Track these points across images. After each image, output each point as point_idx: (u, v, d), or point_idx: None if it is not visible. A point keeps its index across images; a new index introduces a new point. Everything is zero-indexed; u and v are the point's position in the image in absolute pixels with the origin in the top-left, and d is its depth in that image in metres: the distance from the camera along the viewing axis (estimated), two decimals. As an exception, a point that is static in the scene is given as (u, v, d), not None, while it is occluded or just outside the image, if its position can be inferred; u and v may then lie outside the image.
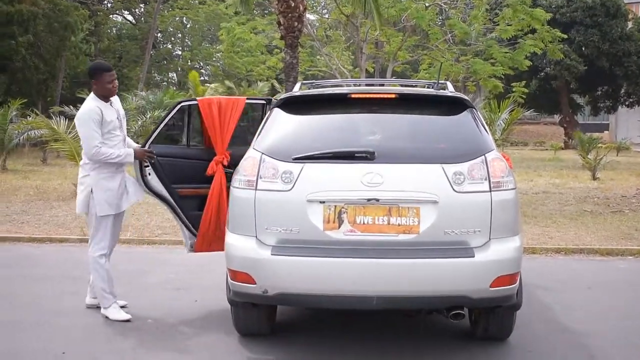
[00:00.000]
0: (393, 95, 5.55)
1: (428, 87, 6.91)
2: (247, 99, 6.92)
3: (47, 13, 42.04)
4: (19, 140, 23.19)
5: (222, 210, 6.37)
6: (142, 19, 62.11)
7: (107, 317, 6.38)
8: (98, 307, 6.60)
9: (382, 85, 9.48)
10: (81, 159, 6.48)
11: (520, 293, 5.31)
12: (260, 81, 36.51)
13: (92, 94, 6.45)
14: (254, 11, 37.16)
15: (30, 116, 24.62)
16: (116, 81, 6.51)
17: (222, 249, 6.10)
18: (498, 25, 26.83)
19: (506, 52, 26.61)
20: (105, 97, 6.42)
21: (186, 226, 6.73)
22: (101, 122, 6.26)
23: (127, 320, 6.30)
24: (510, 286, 5.00)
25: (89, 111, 6.30)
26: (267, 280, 4.95)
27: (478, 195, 4.94)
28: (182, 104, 6.88)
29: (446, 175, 4.94)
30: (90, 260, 6.49)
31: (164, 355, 5.48)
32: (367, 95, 5.66)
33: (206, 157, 6.63)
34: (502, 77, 27.98)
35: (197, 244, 6.66)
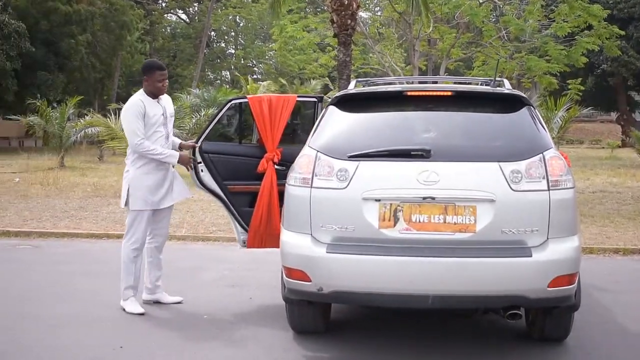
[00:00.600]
0: (449, 93, 5.50)
1: (484, 85, 6.85)
2: (298, 96, 6.94)
3: (104, 12, 42.82)
4: (77, 137, 23.61)
5: (273, 206, 6.43)
6: (196, 18, 62.73)
7: (123, 309, 6.51)
8: (155, 303, 6.70)
9: (436, 82, 9.42)
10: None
11: (578, 294, 5.23)
12: (312, 79, 36.54)
13: (140, 90, 6.61)
14: (307, 9, 37.23)
15: (87, 114, 25.09)
16: (167, 81, 6.64)
17: (275, 246, 6.18)
18: (554, 21, 26.41)
19: (562, 49, 26.17)
20: (153, 94, 6.56)
21: (238, 222, 6.79)
22: (144, 116, 6.40)
23: (142, 314, 6.41)
24: (569, 286, 4.91)
25: (132, 105, 6.46)
26: (322, 278, 4.95)
27: (536, 194, 4.87)
28: (233, 101, 6.94)
29: (503, 174, 4.88)
30: (122, 252, 6.58)
31: (220, 351, 5.52)
32: (423, 93, 5.61)
33: (257, 154, 6.67)
34: (558, 74, 27.54)
35: (249, 240, 6.70)
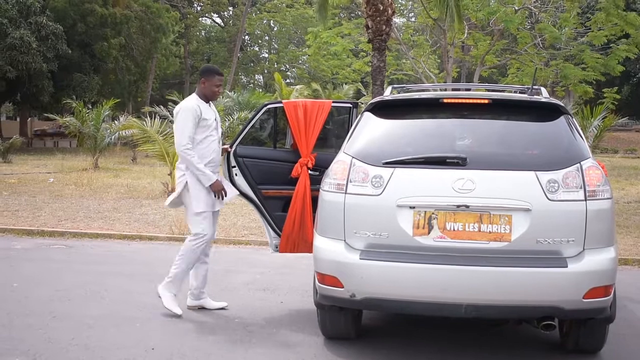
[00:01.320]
0: (487, 101, 5.46)
1: (520, 93, 6.79)
2: (333, 102, 6.94)
3: (140, 15, 43.20)
4: (111, 139, 23.83)
5: (306, 212, 6.43)
6: (231, 22, 63.13)
7: (159, 297, 6.55)
8: (200, 309, 6.70)
9: (469, 90, 9.36)
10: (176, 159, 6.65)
11: (614, 305, 5.17)
12: (345, 84, 36.58)
13: (194, 94, 6.64)
14: (341, 14, 37.26)
15: (120, 117, 25.31)
16: (222, 87, 6.70)
17: (307, 251, 6.20)
18: (590, 29, 26.18)
19: (598, 58, 25.93)
20: (207, 98, 6.61)
21: (270, 226, 6.79)
22: (199, 120, 6.42)
23: (179, 315, 6.42)
24: (604, 298, 4.85)
25: (189, 107, 6.46)
26: (354, 284, 4.94)
27: (573, 204, 4.82)
28: (268, 106, 6.95)
29: (540, 183, 4.84)
30: (185, 248, 6.54)
31: (251, 355, 5.52)
32: (460, 101, 5.58)
33: (291, 159, 6.67)
34: (593, 82, 27.28)
35: (282, 245, 6.70)
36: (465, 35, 27.97)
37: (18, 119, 51.42)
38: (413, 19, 45.00)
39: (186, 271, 6.56)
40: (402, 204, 4.91)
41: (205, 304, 6.74)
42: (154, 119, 17.08)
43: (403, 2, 47.35)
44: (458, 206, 4.84)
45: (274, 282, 7.92)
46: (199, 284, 6.72)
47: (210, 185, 6.46)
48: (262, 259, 9.10)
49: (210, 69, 6.83)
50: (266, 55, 66.14)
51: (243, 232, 11.23)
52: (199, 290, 6.72)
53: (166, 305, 6.47)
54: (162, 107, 20.82)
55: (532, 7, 26.95)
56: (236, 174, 6.72)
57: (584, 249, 4.80)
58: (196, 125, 6.41)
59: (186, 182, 6.50)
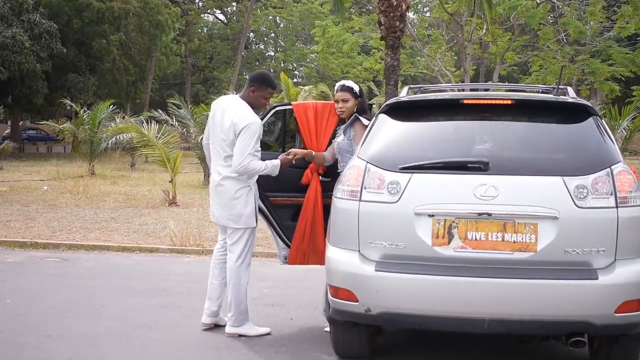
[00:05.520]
0: (510, 102, 5.43)
1: (544, 92, 6.76)
2: None
3: (138, 11, 43.27)
4: (108, 144, 23.88)
5: (318, 220, 6.39)
6: (234, 18, 63.30)
7: (241, 336, 6.37)
8: (218, 326, 6.61)
9: (487, 90, 9.32)
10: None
11: (649, 320, 5.12)
12: (356, 83, 36.54)
13: (244, 103, 6.38)
14: (351, 9, 37.27)
15: (117, 118, 25.37)
16: (269, 101, 6.61)
17: (319, 263, 6.15)
18: (616, 23, 26.11)
19: (627, 53, 25.85)
20: (254, 107, 6.39)
21: (279, 236, 6.76)
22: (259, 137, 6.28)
23: (268, 334, 6.41)
24: (638, 312, 4.81)
25: (259, 124, 6.22)
26: (370, 298, 4.92)
27: (603, 211, 4.79)
28: (277, 108, 6.93)
29: (567, 189, 4.80)
30: (233, 274, 6.39)
31: (258, 375, 5.50)
32: (482, 101, 5.55)
33: (301, 164, 6.63)
34: (622, 79, 27.19)
35: (291, 256, 6.67)
36: (484, 31, 27.92)
37: (9, 122, 51.57)
38: (428, 14, 44.98)
39: (244, 296, 6.42)
40: (421, 212, 4.89)
41: (221, 321, 6.63)
42: (151, 124, 17.11)
43: (417, -4, 47.33)
44: (480, 214, 4.81)
45: (282, 297, 7.89)
46: (219, 301, 6.61)
47: (282, 165, 6.35)
48: (270, 272, 9.06)
49: (264, 78, 6.55)
50: (272, 54, 66.31)
51: (249, 243, 11.19)
52: (219, 307, 6.61)
53: (252, 334, 6.38)
54: (160, 111, 20.78)
55: (555, 1, 26.90)
56: None
57: (615, 259, 4.76)
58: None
59: (253, 195, 6.35)
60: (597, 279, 4.69)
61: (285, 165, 6.38)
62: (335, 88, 6.54)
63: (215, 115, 6.46)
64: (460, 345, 6.19)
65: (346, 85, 6.48)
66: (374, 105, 25.74)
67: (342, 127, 6.42)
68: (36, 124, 44.18)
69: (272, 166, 6.27)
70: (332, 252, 5.19)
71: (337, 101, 6.46)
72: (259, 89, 6.40)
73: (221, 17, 66.83)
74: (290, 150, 6.51)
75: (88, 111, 26.48)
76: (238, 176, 6.26)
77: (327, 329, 5.97)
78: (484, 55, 35.13)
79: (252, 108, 6.37)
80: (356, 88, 6.46)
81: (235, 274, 6.36)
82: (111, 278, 8.89)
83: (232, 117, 6.22)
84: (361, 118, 6.27)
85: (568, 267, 4.77)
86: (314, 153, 6.44)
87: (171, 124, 19.33)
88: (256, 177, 6.35)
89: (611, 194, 4.81)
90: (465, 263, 4.83)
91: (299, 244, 6.53)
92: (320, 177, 6.51)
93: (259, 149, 6.27)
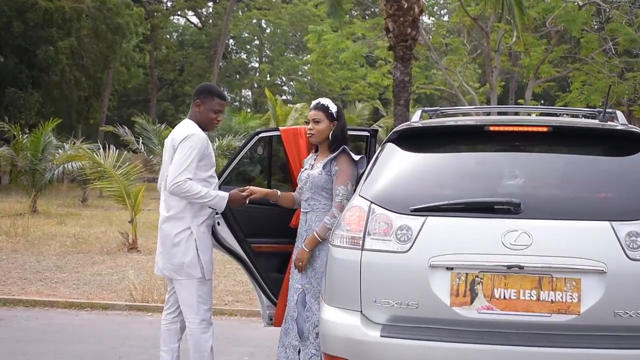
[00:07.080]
0: (545, 129, 5.45)
1: (588, 117, 6.79)
2: None
3: (93, 12, 43.11)
4: (54, 174, 23.85)
5: (310, 273, 6.38)
6: (210, 21, 63.61)
7: None
8: None
9: (517, 113, 9.36)
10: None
11: None
12: (358, 101, 36.72)
13: (189, 120, 6.45)
14: (352, 11, 37.50)
15: (66, 144, 25.34)
16: (222, 115, 6.58)
17: (312, 325, 6.13)
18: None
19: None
20: (202, 126, 6.40)
21: (263, 291, 6.76)
22: (204, 156, 6.26)
23: None
24: None
25: (200, 137, 6.24)
26: (374, 370, 4.90)
27: (661, 264, 4.79)
28: (261, 134, 6.94)
29: (617, 237, 4.80)
30: (195, 339, 6.37)
31: None
32: (512, 128, 5.56)
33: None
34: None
35: (277, 316, 6.66)
36: (514, 39, 28.05)
37: None
38: (446, 18, 45.26)
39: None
40: (437, 264, 4.88)
41: None
42: (109, 149, 17.10)
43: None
44: (509, 267, 4.80)
45: (267, 366, 7.88)
46: None
47: (229, 202, 6.27)
48: (252, 335, 9.05)
49: (209, 87, 6.67)
50: (256, 65, 66.62)
51: (227, 299, 11.19)
52: None
53: None
54: (125, 127, 20.75)
55: (601, 2, 27.06)
56: (218, 223, 6.63)
57: (677, 324, 4.76)
58: (199, 160, 6.20)
59: (194, 239, 6.29)
60: (655, 348, 4.69)
61: (237, 203, 6.34)
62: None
63: (166, 149, 6.50)
64: None
65: (321, 103, 6.46)
66: (379, 130, 25.77)
67: (317, 156, 6.40)
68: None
69: (215, 197, 6.19)
70: (328, 313, 5.17)
71: (307, 122, 6.45)
72: (205, 101, 6.42)
73: (194, 19, 67.25)
74: (247, 187, 6.44)
75: (29, 134, 26.49)
76: (176, 214, 6.26)
77: None
78: (514, 68, 35.35)
79: (203, 129, 6.40)
80: (333, 108, 6.43)
81: (194, 337, 6.34)
82: (56, 342, 8.85)
83: (172, 136, 6.32)
84: (349, 151, 6.23)
85: (619, 332, 4.75)
86: (279, 193, 6.43)
87: (134, 149, 19.30)
88: (201, 218, 6.32)
89: (671, 243, 4.81)
90: (491, 327, 4.81)
91: (288, 300, 6.50)
92: (313, 219, 6.50)
93: (213, 175, 6.34)
